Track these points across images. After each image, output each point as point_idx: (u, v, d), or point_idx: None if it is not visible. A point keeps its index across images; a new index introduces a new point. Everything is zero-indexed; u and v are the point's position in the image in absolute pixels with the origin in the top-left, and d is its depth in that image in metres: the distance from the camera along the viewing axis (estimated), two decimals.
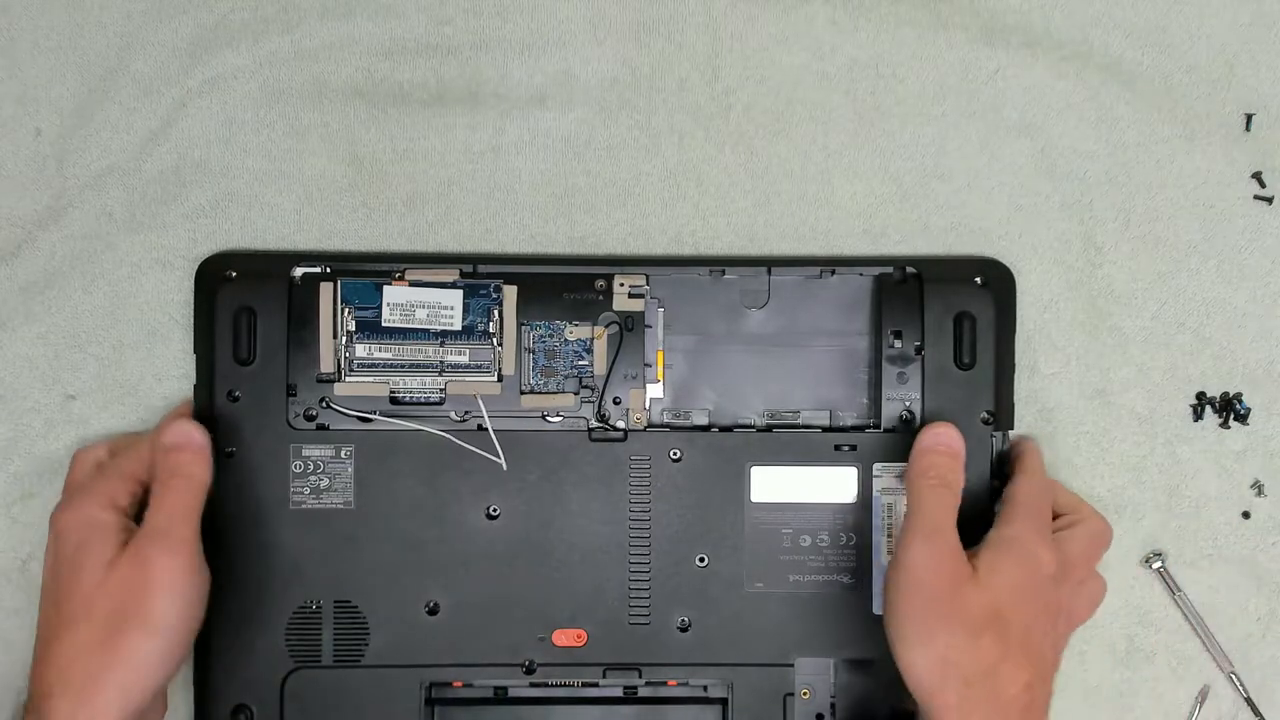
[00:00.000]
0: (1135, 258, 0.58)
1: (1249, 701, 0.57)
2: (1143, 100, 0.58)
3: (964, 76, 0.58)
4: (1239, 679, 0.57)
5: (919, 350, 0.56)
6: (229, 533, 0.55)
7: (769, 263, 0.57)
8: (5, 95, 0.57)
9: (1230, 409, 0.58)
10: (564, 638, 0.56)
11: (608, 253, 0.58)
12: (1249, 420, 0.58)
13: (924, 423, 0.55)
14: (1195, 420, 0.58)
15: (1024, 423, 0.57)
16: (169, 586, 0.49)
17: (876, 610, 0.55)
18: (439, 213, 0.57)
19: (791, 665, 0.56)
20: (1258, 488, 0.58)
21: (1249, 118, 0.58)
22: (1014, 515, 0.52)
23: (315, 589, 0.55)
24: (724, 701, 0.56)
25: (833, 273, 0.57)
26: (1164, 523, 0.58)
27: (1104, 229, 0.58)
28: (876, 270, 0.57)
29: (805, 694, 0.56)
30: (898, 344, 0.56)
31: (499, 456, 0.55)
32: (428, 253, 0.57)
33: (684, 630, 0.56)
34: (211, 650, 0.55)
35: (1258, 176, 0.58)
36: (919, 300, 0.56)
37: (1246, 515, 0.58)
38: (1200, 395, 0.58)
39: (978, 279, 0.56)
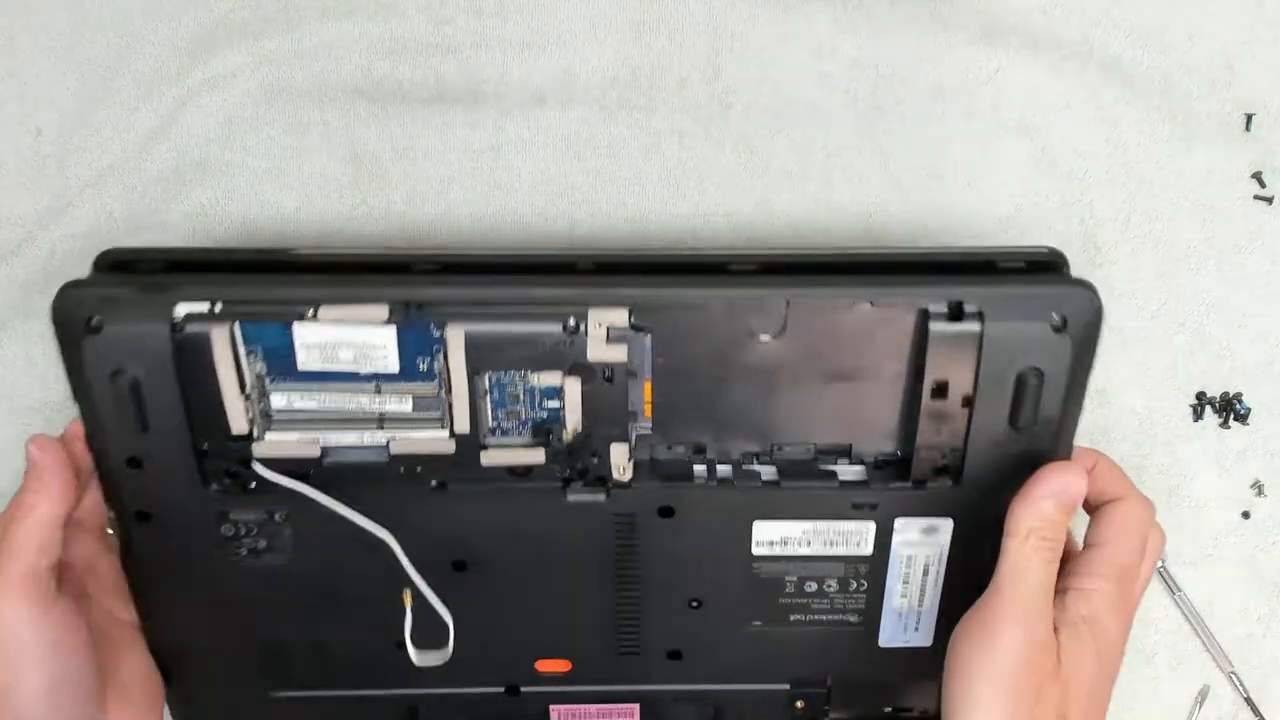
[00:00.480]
0: (1135, 258, 0.58)
1: (1249, 701, 0.57)
2: (1143, 100, 0.58)
3: (964, 76, 0.58)
4: (1239, 679, 0.58)
5: (967, 403, 0.46)
6: (164, 584, 0.49)
7: (788, 282, 0.45)
8: (5, 95, 0.57)
9: (1230, 409, 0.58)
10: (547, 665, 0.52)
11: (581, 251, 0.46)
12: (1249, 420, 0.58)
13: (961, 477, 0.47)
14: (1195, 420, 0.58)
15: None
16: (11, 648, 0.43)
17: (883, 644, 0.52)
18: (439, 212, 0.57)
19: (786, 685, 0.53)
20: (1258, 488, 0.58)
21: (1249, 118, 0.58)
22: (1097, 585, 0.46)
23: (277, 630, 0.50)
24: (716, 713, 0.54)
25: (870, 304, 0.45)
26: (1164, 523, 0.58)
27: (1104, 229, 0.58)
28: (924, 302, 0.44)
29: (800, 705, 0.54)
30: (941, 400, 0.45)
31: (446, 652, 0.49)
32: (344, 253, 0.48)
33: (674, 658, 0.52)
34: (180, 676, 0.51)
35: (1258, 176, 0.58)
36: (976, 352, 0.44)
37: (1246, 515, 0.58)
38: (1200, 395, 0.58)
39: (1054, 316, 0.44)
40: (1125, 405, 0.58)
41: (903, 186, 0.58)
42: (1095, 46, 0.58)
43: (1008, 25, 0.58)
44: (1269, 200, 0.58)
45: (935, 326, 0.44)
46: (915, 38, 0.58)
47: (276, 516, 0.47)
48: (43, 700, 0.44)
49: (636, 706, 0.54)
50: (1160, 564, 0.57)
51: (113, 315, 0.43)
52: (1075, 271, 0.55)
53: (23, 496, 0.45)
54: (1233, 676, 0.58)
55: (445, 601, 0.49)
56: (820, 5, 0.58)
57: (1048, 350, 0.44)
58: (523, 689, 0.52)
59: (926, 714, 0.55)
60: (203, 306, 0.44)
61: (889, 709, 0.55)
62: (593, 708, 0.55)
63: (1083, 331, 0.44)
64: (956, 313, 0.44)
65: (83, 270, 0.57)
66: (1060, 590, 0.46)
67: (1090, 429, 0.58)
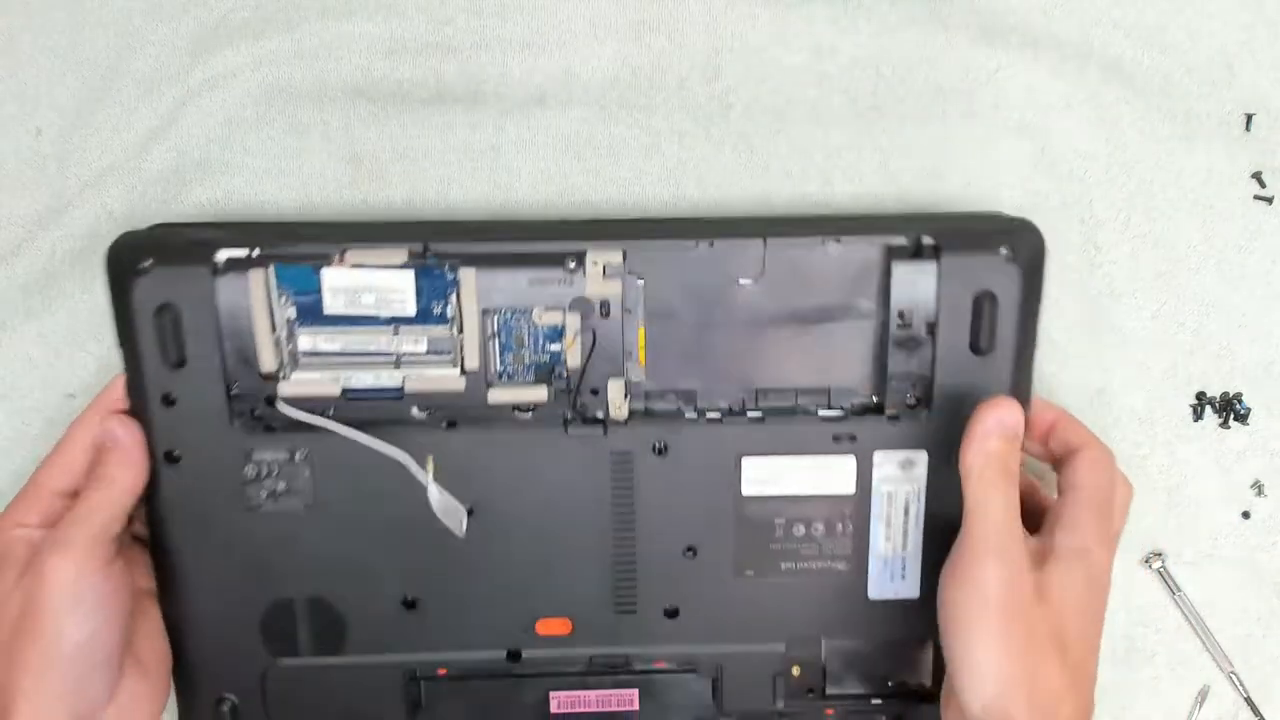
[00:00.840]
0: (1135, 257, 0.58)
1: (1249, 701, 0.57)
2: (1143, 100, 0.58)
3: (964, 76, 0.58)
4: (1239, 679, 0.58)
5: (931, 330, 0.51)
6: (185, 535, 0.52)
7: (764, 230, 0.51)
8: (5, 95, 0.57)
9: (1230, 409, 0.58)
10: (548, 627, 0.54)
11: (578, 216, 0.54)
12: (1249, 420, 0.58)
13: (930, 410, 0.51)
14: (1195, 420, 0.58)
15: None
16: (64, 598, 0.47)
17: (871, 595, 0.54)
18: (439, 211, 0.57)
19: (782, 645, 0.54)
20: (1258, 488, 0.58)
21: (1249, 118, 0.58)
22: (1081, 518, 0.48)
23: (285, 587, 0.53)
24: (714, 680, 0.55)
25: (837, 241, 0.51)
26: (1164, 523, 0.58)
27: (1104, 229, 0.58)
28: (887, 239, 0.51)
29: (796, 671, 0.55)
30: (907, 328, 0.51)
31: (461, 524, 0.51)
32: (367, 222, 0.53)
33: (671, 616, 0.54)
34: (189, 644, 0.53)
35: (1258, 176, 0.58)
36: (934, 277, 0.50)
37: (1246, 515, 0.58)
38: (1200, 395, 0.58)
39: (1003, 249, 0.50)
40: (1125, 405, 0.58)
41: (902, 186, 0.58)
42: (1095, 46, 0.58)
43: (1008, 25, 0.58)
44: (1269, 200, 0.58)
45: (897, 259, 0.50)
46: (915, 37, 0.58)
47: (297, 456, 0.51)
48: (74, 654, 0.47)
49: (636, 692, 0.55)
50: (1161, 564, 0.57)
51: (162, 258, 0.49)
52: (1075, 271, 0.55)
53: (104, 470, 0.49)
54: (1233, 676, 0.58)
55: (452, 551, 0.52)
56: (820, 5, 0.58)
57: (999, 276, 0.50)
58: (524, 653, 0.54)
59: (922, 688, 0.55)
60: (242, 252, 0.49)
61: (886, 681, 0.55)
62: (592, 694, 0.55)
63: (1029, 262, 0.50)
64: (916, 246, 0.50)
65: (83, 270, 0.57)
66: (1047, 529, 0.49)
67: (1090, 429, 0.58)
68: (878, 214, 0.53)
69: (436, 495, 0.51)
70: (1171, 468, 0.58)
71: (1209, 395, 0.58)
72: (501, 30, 0.57)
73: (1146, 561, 0.57)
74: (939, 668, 0.54)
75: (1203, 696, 0.58)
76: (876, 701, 0.55)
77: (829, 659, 0.55)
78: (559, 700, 0.55)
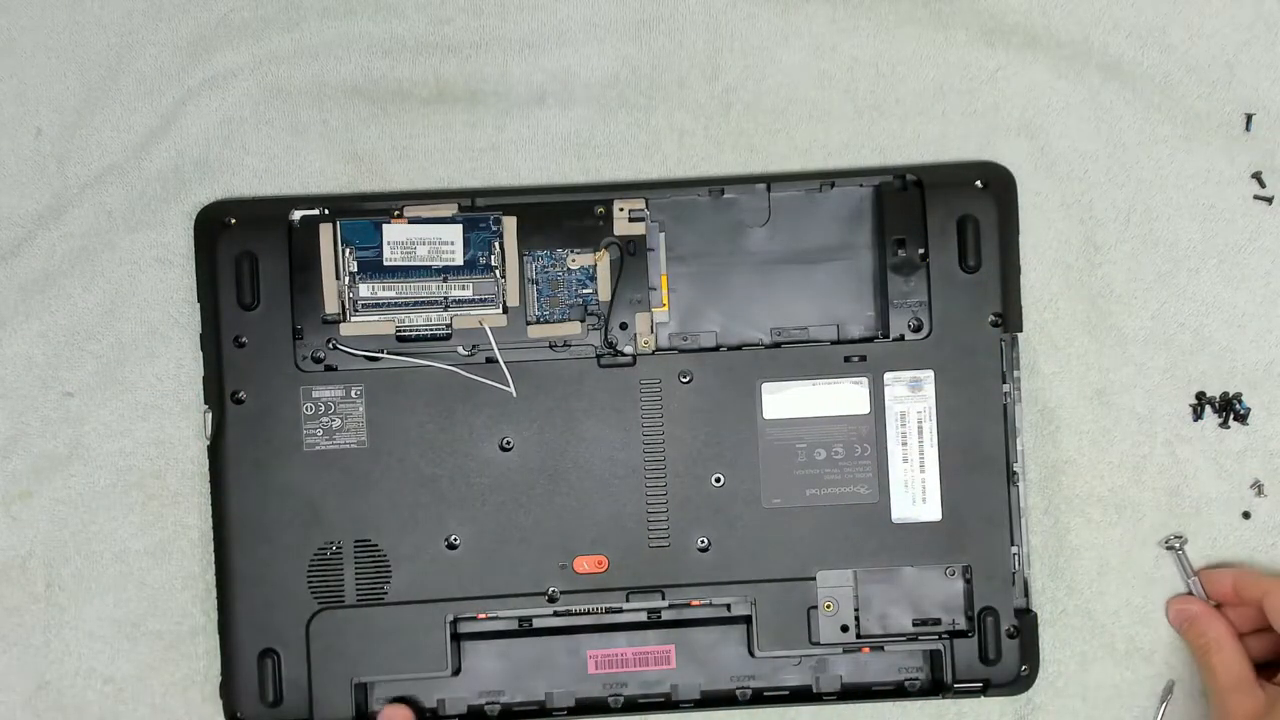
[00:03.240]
0: (1135, 257, 0.58)
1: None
2: (1143, 100, 0.58)
3: (964, 76, 0.58)
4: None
5: (923, 256, 0.56)
6: (242, 478, 0.55)
7: (768, 179, 0.57)
8: (5, 95, 0.57)
9: (1230, 409, 0.58)
10: (585, 564, 0.56)
11: (606, 179, 0.58)
12: (1249, 420, 0.58)
13: (932, 330, 0.56)
14: (1195, 420, 0.58)
15: (1024, 422, 0.57)
16: None
17: (895, 518, 0.56)
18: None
19: (813, 579, 0.56)
20: (1258, 488, 0.58)
21: (1249, 118, 0.58)
22: None
23: (334, 530, 0.55)
24: (748, 619, 0.56)
25: (832, 185, 0.56)
26: (1164, 523, 0.58)
27: (1104, 229, 0.58)
28: (877, 180, 0.56)
29: (828, 606, 0.56)
30: (902, 252, 0.56)
31: (509, 385, 0.55)
32: (424, 190, 0.57)
33: (704, 550, 0.56)
34: (234, 596, 0.55)
35: (1258, 176, 0.58)
36: (920, 206, 0.56)
37: (1247, 515, 0.58)
38: (1200, 395, 0.58)
39: (978, 182, 0.56)
40: (1125, 405, 0.58)
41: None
42: (1095, 46, 0.58)
43: (1008, 25, 0.58)
44: (1269, 200, 0.58)
45: (889, 194, 0.56)
46: (915, 37, 0.58)
47: (353, 393, 0.55)
48: None
49: (672, 649, 0.56)
50: (1181, 546, 0.57)
51: (244, 216, 0.56)
52: (1075, 272, 0.55)
53: None
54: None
55: (493, 490, 0.56)
56: (820, 4, 0.58)
57: (977, 202, 0.56)
58: (560, 593, 0.56)
59: (954, 626, 0.56)
60: (314, 211, 0.56)
61: (921, 620, 0.56)
62: (629, 651, 0.56)
63: (1001, 193, 0.56)
64: (903, 184, 0.56)
65: (83, 269, 0.57)
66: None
67: (1091, 429, 0.58)
68: (865, 167, 0.57)
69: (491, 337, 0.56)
70: (1171, 468, 0.58)
71: (1209, 395, 0.58)
72: (501, 30, 0.57)
73: (1168, 543, 0.57)
74: (970, 603, 0.56)
75: (1168, 691, 0.58)
76: (912, 639, 0.56)
77: (862, 596, 0.56)
78: (596, 660, 0.56)
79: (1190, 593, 0.57)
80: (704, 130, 0.57)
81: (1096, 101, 0.58)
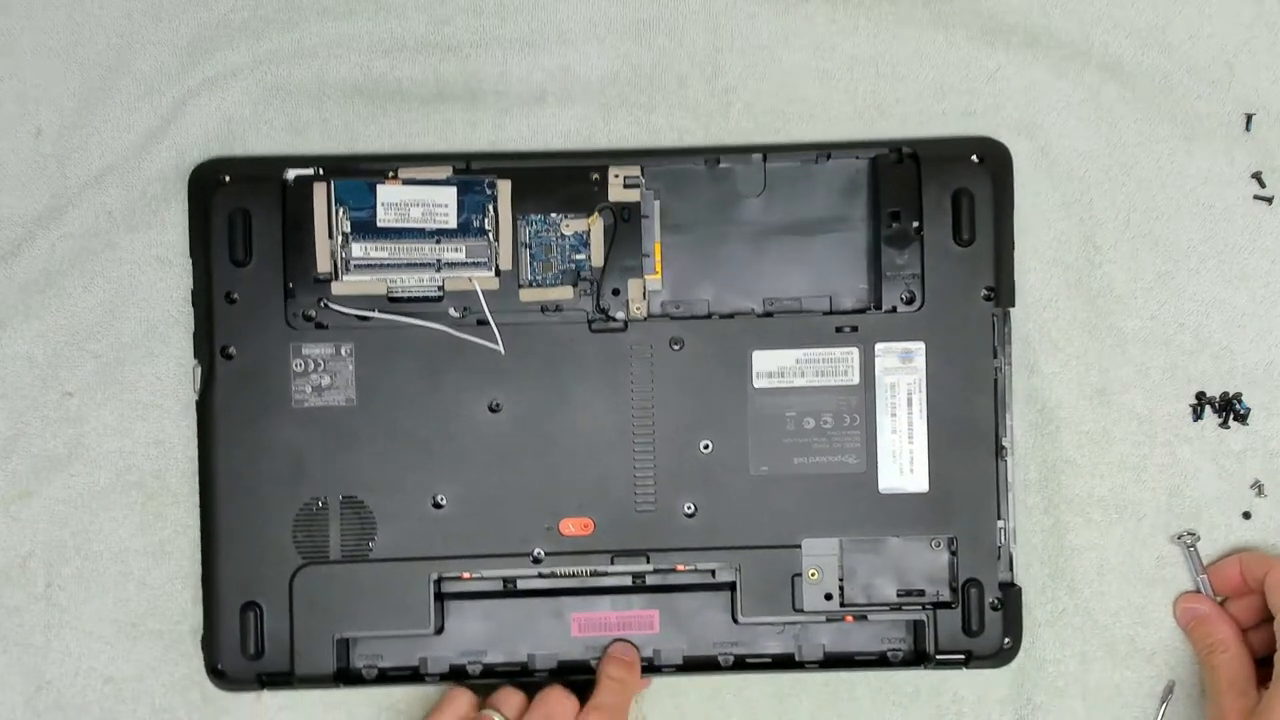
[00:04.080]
0: (1135, 257, 0.58)
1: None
2: (1143, 100, 0.58)
3: (964, 76, 0.58)
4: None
5: (918, 230, 0.56)
6: (229, 433, 0.55)
7: (765, 150, 0.57)
8: (5, 95, 0.57)
9: (1230, 409, 0.58)
10: (571, 527, 0.56)
11: (602, 146, 0.58)
12: (1249, 420, 0.58)
13: (924, 303, 0.56)
14: (1195, 420, 0.58)
15: (1024, 422, 0.57)
16: None
17: (882, 489, 0.56)
18: None
19: (799, 547, 0.56)
20: (1258, 488, 0.58)
21: (1249, 118, 0.58)
22: None
23: (320, 486, 0.56)
24: (732, 586, 0.56)
25: (829, 157, 0.57)
26: (1164, 523, 0.58)
27: (1103, 228, 0.58)
28: (873, 153, 0.56)
29: (813, 575, 0.56)
30: (896, 224, 0.56)
31: (498, 343, 0.55)
32: (420, 152, 0.57)
33: (690, 516, 0.56)
34: (218, 550, 0.55)
35: (1258, 176, 0.58)
36: (916, 180, 0.56)
37: (1247, 515, 0.58)
38: (1200, 395, 0.58)
39: (974, 157, 0.56)
40: (1125, 405, 0.58)
41: None
42: (1095, 46, 0.58)
43: (1008, 25, 0.58)
44: (1269, 200, 0.58)
45: (885, 167, 0.56)
46: (915, 36, 0.58)
47: (343, 351, 0.55)
48: None
49: (656, 614, 0.56)
50: (1193, 543, 0.57)
51: (238, 173, 0.56)
52: (1075, 271, 0.55)
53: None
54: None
55: (480, 450, 0.56)
56: (820, 4, 0.58)
57: (972, 176, 0.56)
58: (546, 554, 0.56)
59: (938, 598, 0.56)
60: (308, 171, 0.56)
61: (905, 590, 0.56)
62: (613, 615, 0.56)
63: (997, 168, 0.56)
64: (899, 156, 0.56)
65: (82, 269, 0.57)
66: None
67: (1090, 429, 0.58)
68: (861, 140, 0.57)
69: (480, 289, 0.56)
70: (1171, 467, 0.58)
71: (1209, 395, 0.58)
72: (501, 29, 0.57)
73: (1180, 538, 0.57)
74: (954, 575, 0.56)
75: (1168, 691, 0.58)
76: (895, 609, 0.56)
77: (846, 565, 0.56)
78: (580, 622, 0.56)
79: (1198, 590, 0.57)
80: (704, 130, 0.57)
81: (1096, 101, 0.58)
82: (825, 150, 0.57)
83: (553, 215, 0.56)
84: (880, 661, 0.57)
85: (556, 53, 0.57)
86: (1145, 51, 0.58)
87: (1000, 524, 0.56)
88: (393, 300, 0.56)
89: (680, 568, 0.56)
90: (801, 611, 0.56)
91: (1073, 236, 0.58)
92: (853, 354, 0.56)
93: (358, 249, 0.55)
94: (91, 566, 0.57)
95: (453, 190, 0.56)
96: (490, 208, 0.56)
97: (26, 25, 0.58)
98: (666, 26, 0.57)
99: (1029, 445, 0.58)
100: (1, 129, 0.57)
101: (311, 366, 0.56)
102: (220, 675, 0.55)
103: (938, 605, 0.56)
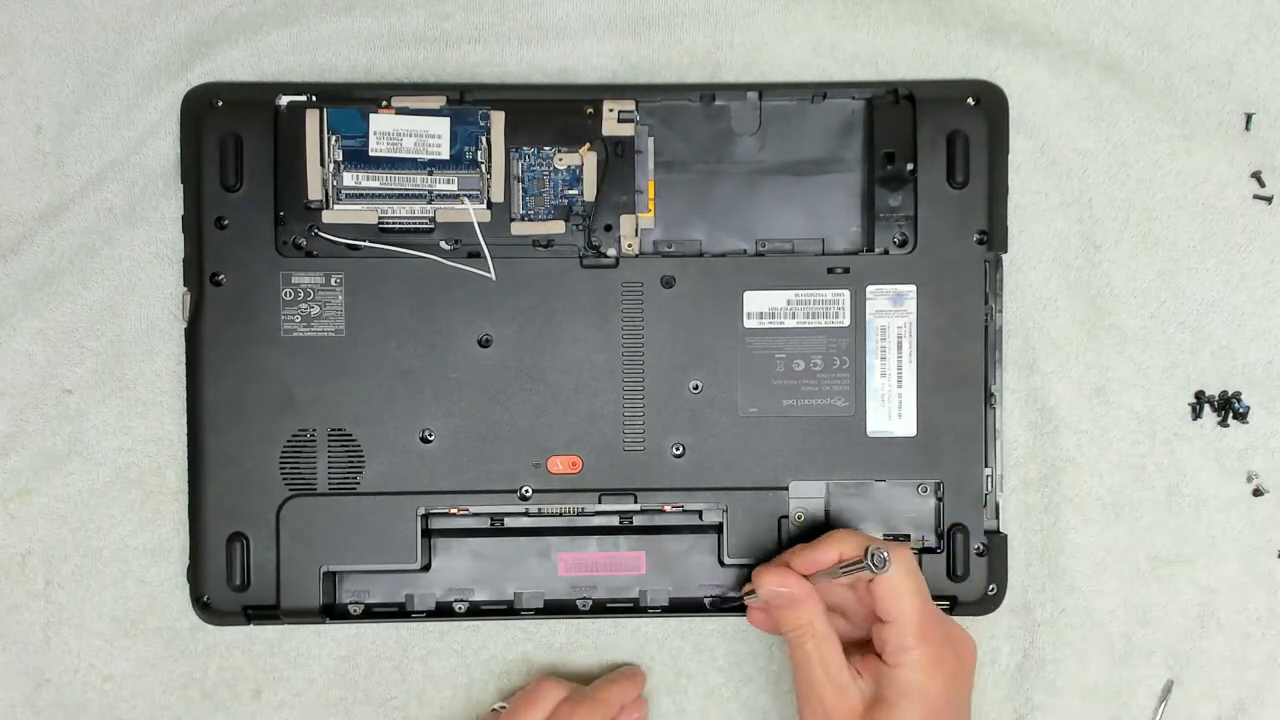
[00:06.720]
0: (1134, 256, 0.58)
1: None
2: (1143, 100, 0.58)
3: (964, 74, 0.58)
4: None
5: (912, 172, 0.56)
6: (219, 361, 0.55)
7: (760, 88, 0.56)
8: (5, 92, 0.57)
9: (1229, 408, 0.58)
10: (559, 464, 0.56)
11: (597, 81, 0.58)
12: (1248, 419, 0.58)
13: (917, 245, 0.56)
14: (1194, 419, 0.58)
15: (1024, 421, 0.57)
16: None
17: (870, 432, 0.56)
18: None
19: (785, 489, 0.56)
20: (1257, 488, 0.58)
21: (1249, 118, 0.58)
22: (905, 659, 0.49)
23: (308, 417, 0.55)
24: (719, 528, 0.56)
25: (824, 96, 0.56)
26: (1164, 522, 0.58)
27: (1103, 227, 0.58)
28: (869, 93, 0.56)
29: (799, 517, 0.56)
30: (890, 166, 0.56)
31: (490, 271, 0.55)
32: (413, 82, 0.57)
33: (679, 456, 0.56)
34: (205, 480, 0.55)
35: (1257, 176, 0.58)
36: (911, 121, 0.56)
37: (1247, 515, 0.58)
38: (1199, 394, 0.58)
39: (970, 100, 0.56)
40: (1125, 405, 0.58)
41: None
42: (1095, 46, 0.58)
43: (1008, 24, 0.58)
44: (1269, 200, 0.58)
45: (880, 108, 0.56)
46: (915, 35, 0.58)
47: (333, 280, 0.55)
48: None
49: (643, 555, 0.56)
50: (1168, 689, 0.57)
51: (231, 97, 0.56)
52: (1074, 270, 0.54)
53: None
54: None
55: (469, 385, 0.56)
56: (820, 1, 0.58)
57: (968, 119, 0.56)
58: (533, 491, 0.55)
59: (924, 543, 0.56)
60: (301, 98, 0.56)
61: (887, 534, 0.56)
62: (599, 556, 0.56)
63: (993, 111, 0.56)
64: (894, 98, 0.56)
65: (82, 267, 0.57)
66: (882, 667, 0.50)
67: (1090, 429, 0.58)
68: (857, 80, 0.57)
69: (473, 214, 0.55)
70: (1171, 467, 0.58)
71: (1208, 394, 0.58)
72: (500, 25, 0.57)
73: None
74: (940, 520, 0.56)
75: (1167, 691, 0.58)
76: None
77: (833, 508, 0.56)
78: (566, 562, 0.56)
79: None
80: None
81: (1096, 101, 0.58)
82: (821, 90, 0.56)
83: (546, 149, 0.56)
84: None
85: (555, 49, 0.57)
86: (1145, 51, 0.58)
87: (987, 471, 0.56)
88: (384, 230, 0.56)
89: (667, 508, 0.56)
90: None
91: (1072, 236, 0.58)
92: (844, 296, 0.56)
93: (349, 178, 0.55)
94: (91, 564, 0.57)
95: (446, 121, 0.55)
96: (483, 139, 0.56)
97: (26, 23, 0.58)
98: (665, 24, 0.57)
99: (1029, 445, 0.58)
100: (1, 127, 0.57)
101: (301, 295, 0.55)
102: (206, 607, 0.55)
103: (923, 550, 0.56)
